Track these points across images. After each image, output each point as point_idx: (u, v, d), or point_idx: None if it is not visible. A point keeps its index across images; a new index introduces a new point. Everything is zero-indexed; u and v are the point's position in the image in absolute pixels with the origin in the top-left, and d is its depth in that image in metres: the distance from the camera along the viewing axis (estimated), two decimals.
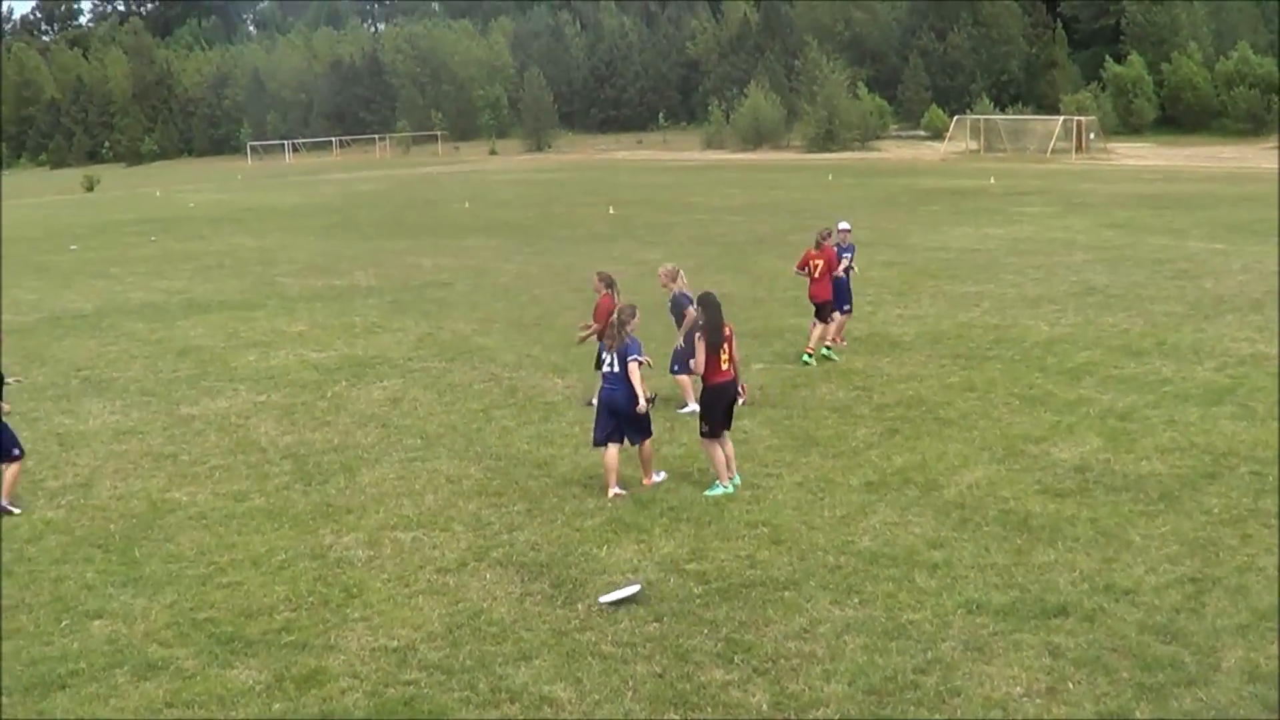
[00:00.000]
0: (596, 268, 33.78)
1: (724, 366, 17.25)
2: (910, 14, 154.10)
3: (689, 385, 21.98)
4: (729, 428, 17.65)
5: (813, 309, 26.25)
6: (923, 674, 11.63)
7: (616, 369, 17.37)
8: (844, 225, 27.94)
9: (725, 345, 17.25)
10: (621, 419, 17.37)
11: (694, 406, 21.44)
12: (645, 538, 15.43)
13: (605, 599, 13.57)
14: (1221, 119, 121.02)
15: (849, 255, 27.11)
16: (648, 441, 17.72)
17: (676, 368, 21.93)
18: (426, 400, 23.33)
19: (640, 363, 17.26)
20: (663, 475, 18.01)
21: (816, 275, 25.97)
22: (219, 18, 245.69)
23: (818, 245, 26.25)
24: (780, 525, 15.69)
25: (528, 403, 22.86)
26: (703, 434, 17.46)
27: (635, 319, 17.60)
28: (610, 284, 21.90)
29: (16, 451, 17.86)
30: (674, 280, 22.52)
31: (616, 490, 17.30)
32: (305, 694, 11.75)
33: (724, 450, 17.42)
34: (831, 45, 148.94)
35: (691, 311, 20.16)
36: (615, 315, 17.66)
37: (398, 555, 15.24)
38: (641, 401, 17.20)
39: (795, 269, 27.37)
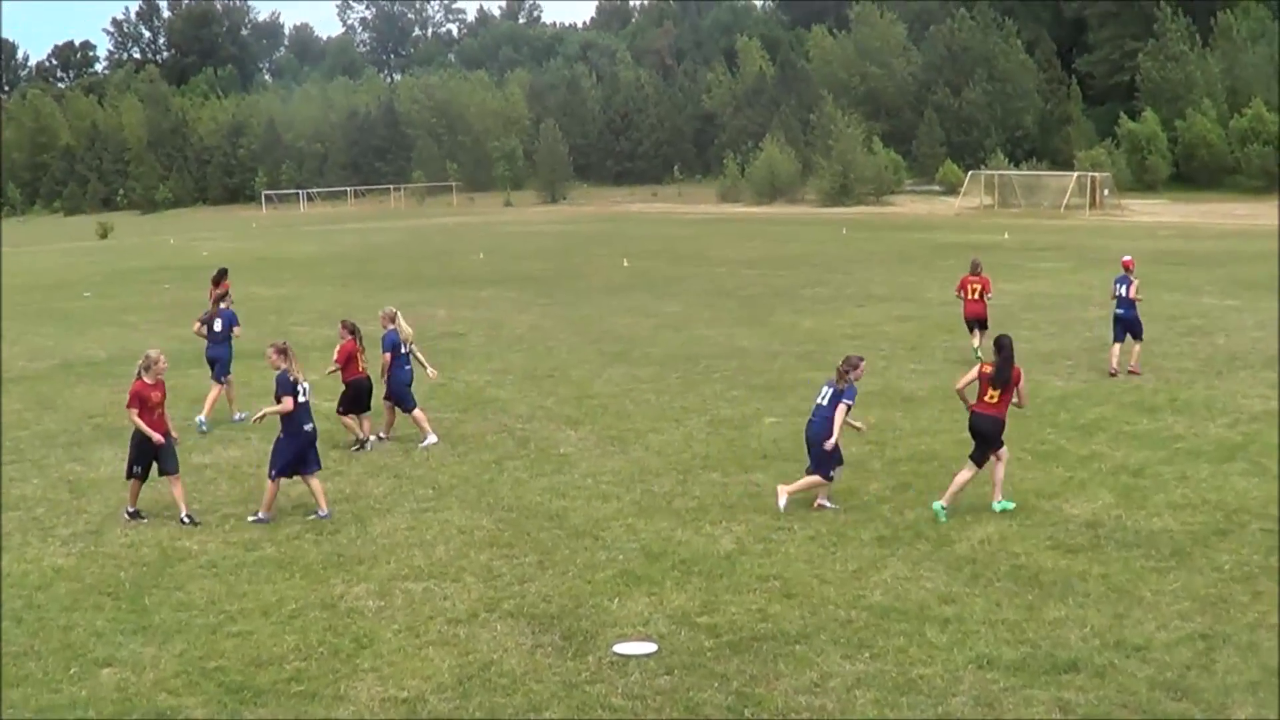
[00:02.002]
0: (612, 320, 33.80)
1: (987, 398, 18.46)
2: (925, 69, 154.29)
3: (422, 419, 24.12)
4: (976, 459, 18.60)
5: (966, 325, 32.49)
6: None
7: (826, 403, 18.89)
8: (1126, 258, 30.98)
9: (997, 385, 18.36)
10: (810, 449, 19.03)
11: (434, 438, 23.78)
12: (657, 590, 15.43)
13: (619, 648, 13.57)
14: (1235, 176, 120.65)
15: (1127, 285, 29.55)
16: (817, 477, 18.98)
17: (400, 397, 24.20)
18: (439, 451, 23.34)
19: (849, 407, 18.75)
20: (834, 506, 19.00)
21: (975, 297, 32.04)
22: (235, 67, 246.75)
23: (974, 272, 32.32)
24: (792, 579, 15.68)
25: (540, 454, 22.86)
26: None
27: (859, 370, 19.25)
28: (354, 330, 23.95)
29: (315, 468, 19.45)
30: (391, 321, 24.38)
31: (822, 502, 19.06)
32: None
33: (963, 477, 18.67)
34: (847, 100, 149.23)
35: (387, 357, 23.50)
36: (846, 361, 19.32)
37: (408, 606, 15.23)
38: (831, 441, 18.50)
39: (956, 292, 33.24)
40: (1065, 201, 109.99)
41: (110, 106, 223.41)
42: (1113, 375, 28.70)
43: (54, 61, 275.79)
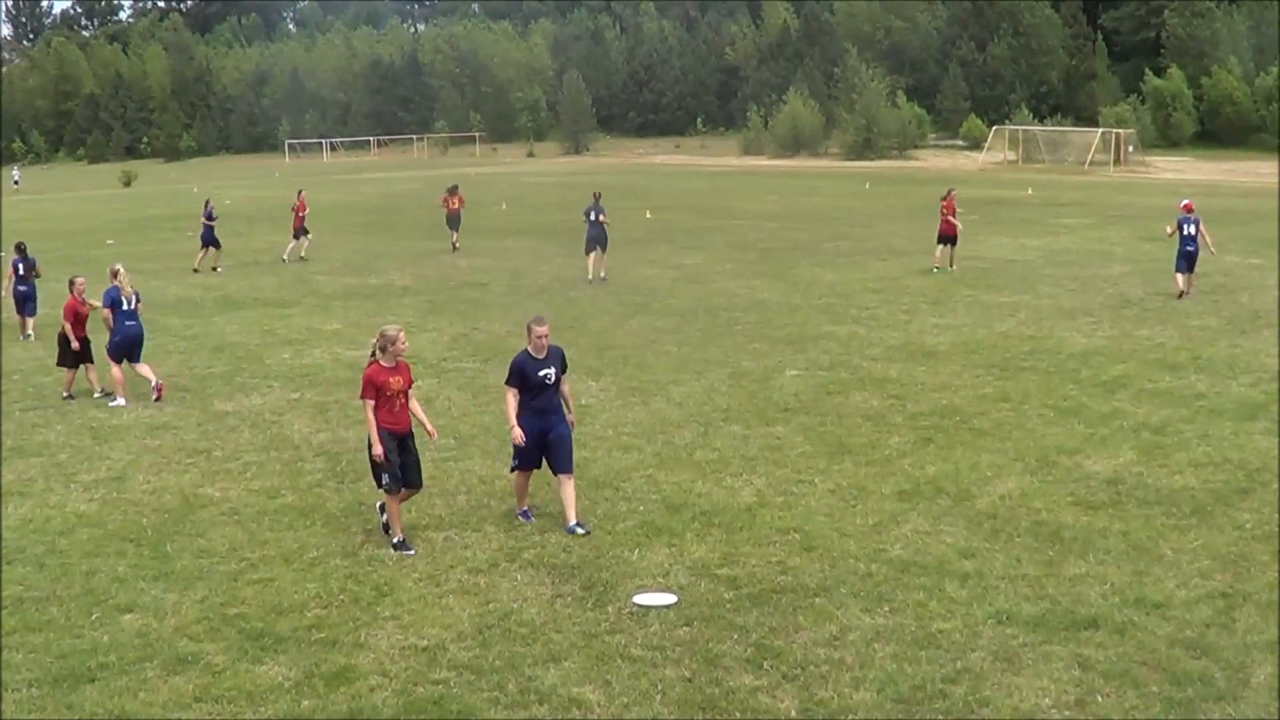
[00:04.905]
0: (634, 271, 33.69)
1: None
2: (950, 23, 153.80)
3: (121, 379, 24.16)
4: None
5: (940, 240, 40.40)
6: (952, 684, 11.60)
7: None
8: (1187, 201, 36.51)
9: None
10: None
11: (122, 400, 23.83)
12: (677, 542, 15.43)
13: (640, 599, 13.60)
14: (1260, 134, 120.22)
15: (1195, 225, 34.52)
16: None
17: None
18: (460, 401, 23.37)
19: None
20: None
21: (951, 217, 39.91)
22: (259, 15, 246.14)
23: (946, 197, 40.44)
24: (812, 532, 15.67)
25: None
26: None
27: None
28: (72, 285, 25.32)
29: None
30: (114, 278, 24.54)
31: None
32: (334, 691, 11.77)
33: None
34: (871, 53, 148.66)
35: (108, 312, 23.83)
36: None
37: (429, 554, 15.26)
38: None
39: (944, 213, 40.28)
40: (1089, 158, 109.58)
41: (134, 55, 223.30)
42: (1179, 297, 33.46)
43: (78, 9, 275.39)
